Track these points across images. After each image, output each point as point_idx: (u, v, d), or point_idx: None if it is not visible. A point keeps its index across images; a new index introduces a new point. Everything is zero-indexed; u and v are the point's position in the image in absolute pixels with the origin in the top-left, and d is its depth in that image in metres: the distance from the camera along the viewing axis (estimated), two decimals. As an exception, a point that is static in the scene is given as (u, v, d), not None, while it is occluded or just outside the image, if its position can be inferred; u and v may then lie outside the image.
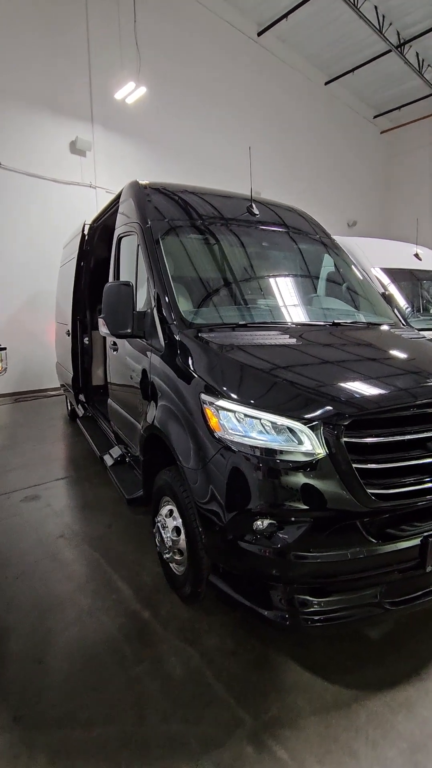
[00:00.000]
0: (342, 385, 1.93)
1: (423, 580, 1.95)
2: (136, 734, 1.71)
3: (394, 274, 4.98)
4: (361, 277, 3.47)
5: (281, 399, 1.87)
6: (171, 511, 2.39)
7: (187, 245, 2.79)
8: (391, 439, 1.82)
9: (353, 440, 1.77)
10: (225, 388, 1.95)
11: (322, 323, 2.64)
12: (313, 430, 1.77)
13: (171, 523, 2.36)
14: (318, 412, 1.79)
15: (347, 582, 1.82)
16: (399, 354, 2.34)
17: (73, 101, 8.45)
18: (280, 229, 3.25)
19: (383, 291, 3.74)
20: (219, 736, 1.69)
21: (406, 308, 4.74)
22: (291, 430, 1.79)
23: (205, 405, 1.97)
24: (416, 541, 1.87)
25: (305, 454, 1.76)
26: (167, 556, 2.37)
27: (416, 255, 5.50)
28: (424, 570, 1.90)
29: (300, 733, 1.71)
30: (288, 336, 2.32)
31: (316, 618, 1.77)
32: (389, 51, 12.18)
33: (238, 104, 11.39)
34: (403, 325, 3.22)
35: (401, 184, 17.08)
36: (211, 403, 1.94)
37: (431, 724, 1.76)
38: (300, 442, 1.78)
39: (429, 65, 13.56)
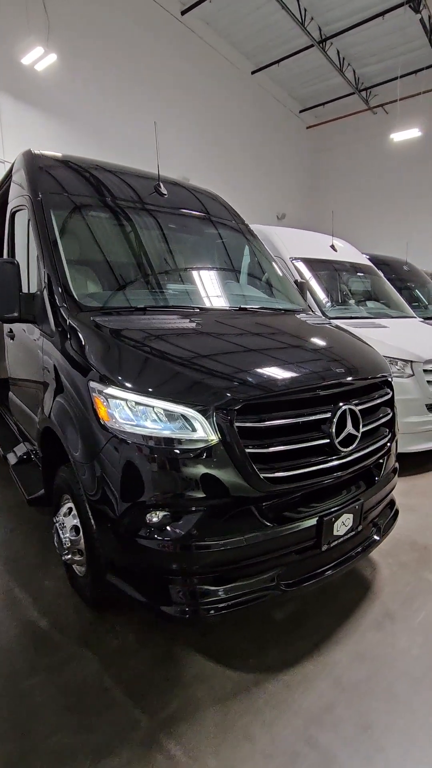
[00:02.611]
0: (236, 369, 1.89)
1: (319, 559, 2.00)
2: (17, 752, 1.56)
3: (310, 263, 5.11)
4: (274, 264, 3.48)
5: (172, 385, 1.78)
6: (70, 510, 2.23)
7: (84, 222, 2.59)
8: (284, 422, 1.82)
9: (246, 425, 1.74)
10: (114, 375, 1.82)
11: (227, 308, 2.60)
12: (205, 416, 1.71)
13: (70, 522, 2.20)
14: (209, 398, 1.73)
15: (244, 568, 1.80)
16: (298, 339, 2.36)
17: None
18: (190, 212, 3.15)
19: (296, 279, 3.80)
20: (111, 742, 1.60)
21: (325, 301, 4.89)
22: (183, 417, 1.72)
23: (93, 394, 1.83)
24: (312, 522, 1.91)
25: (197, 441, 1.70)
26: (66, 557, 2.21)
27: (332, 246, 5.69)
28: (320, 549, 1.94)
29: (197, 727, 1.67)
30: (188, 320, 2.24)
31: (213, 607, 1.74)
32: (312, 46, 12.47)
33: (162, 85, 11.04)
34: (311, 312, 3.28)
35: (326, 178, 17.76)
36: (100, 392, 1.81)
37: (327, 696, 1.81)
38: (193, 429, 1.72)
39: (349, 64, 14.13)
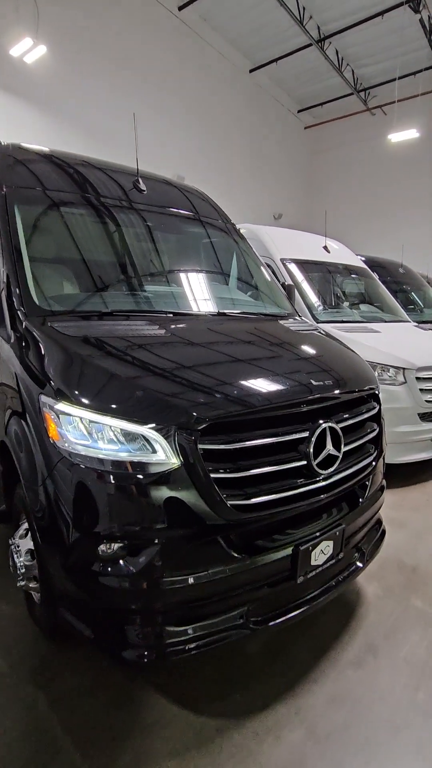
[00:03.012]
0: (203, 383, 1.70)
1: (294, 592, 1.82)
2: None
3: (301, 265, 4.93)
4: (260, 266, 3.31)
5: (130, 401, 1.60)
6: (27, 532, 2.04)
7: (52, 220, 2.40)
8: (254, 443, 1.64)
9: (212, 447, 1.56)
10: (67, 389, 1.63)
11: (203, 313, 2.41)
12: (165, 437, 1.53)
13: (25, 545, 2.01)
14: (170, 416, 1.55)
15: (208, 606, 1.62)
16: (278, 348, 2.17)
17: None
18: (171, 209, 2.95)
19: (283, 282, 3.63)
20: (51, 806, 1.42)
21: (316, 304, 4.71)
22: (142, 437, 1.54)
23: (44, 409, 1.65)
24: (287, 551, 1.73)
25: (157, 464, 1.52)
26: (21, 583, 2.02)
27: (325, 247, 5.52)
28: (296, 581, 1.76)
29: (150, 786, 1.49)
30: (157, 327, 2.06)
31: (171, 651, 1.56)
32: (310, 44, 12.30)
33: (157, 82, 10.83)
34: (298, 317, 3.10)
35: (323, 179, 17.59)
36: (51, 407, 1.62)
37: (298, 749, 1.63)
38: (153, 451, 1.54)
39: (348, 64, 13.97)
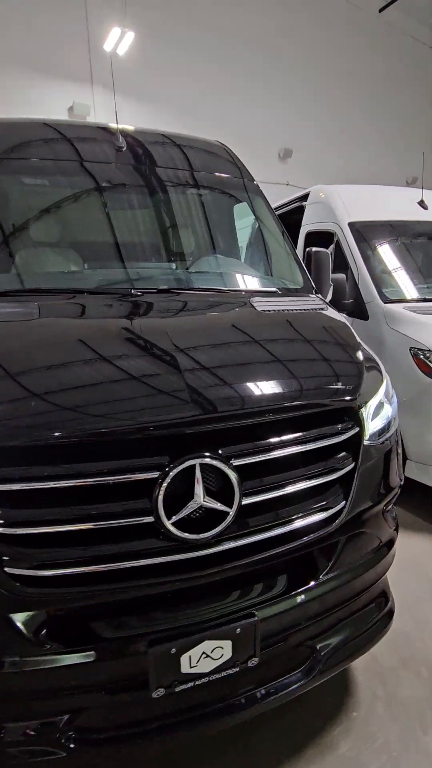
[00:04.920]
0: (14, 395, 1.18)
1: (152, 708, 1.21)
2: None
3: (378, 228, 3.81)
4: (273, 232, 2.55)
5: None
6: None
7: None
8: (47, 485, 1.06)
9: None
10: None
11: (133, 290, 1.81)
12: None
13: None
14: None
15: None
16: (186, 344, 1.43)
17: (67, 61, 7.88)
18: (144, 165, 2.40)
19: (311, 249, 2.71)
20: None
21: (391, 278, 3.59)
22: None
23: None
24: (135, 649, 1.14)
25: None
26: None
27: (421, 203, 4.21)
28: (148, 693, 1.15)
29: None
30: (28, 310, 1.56)
31: None
32: None
33: (261, 46, 9.93)
34: (311, 293, 2.28)
35: None
36: None
37: None
38: None
39: None
